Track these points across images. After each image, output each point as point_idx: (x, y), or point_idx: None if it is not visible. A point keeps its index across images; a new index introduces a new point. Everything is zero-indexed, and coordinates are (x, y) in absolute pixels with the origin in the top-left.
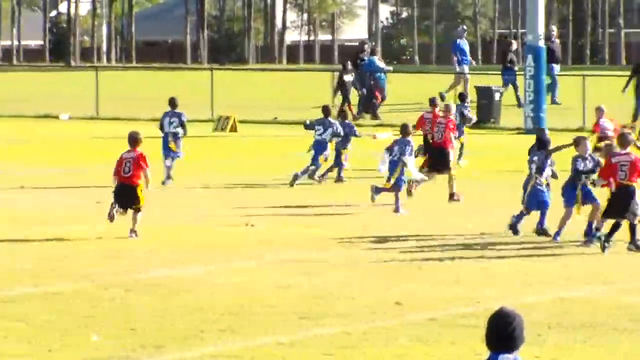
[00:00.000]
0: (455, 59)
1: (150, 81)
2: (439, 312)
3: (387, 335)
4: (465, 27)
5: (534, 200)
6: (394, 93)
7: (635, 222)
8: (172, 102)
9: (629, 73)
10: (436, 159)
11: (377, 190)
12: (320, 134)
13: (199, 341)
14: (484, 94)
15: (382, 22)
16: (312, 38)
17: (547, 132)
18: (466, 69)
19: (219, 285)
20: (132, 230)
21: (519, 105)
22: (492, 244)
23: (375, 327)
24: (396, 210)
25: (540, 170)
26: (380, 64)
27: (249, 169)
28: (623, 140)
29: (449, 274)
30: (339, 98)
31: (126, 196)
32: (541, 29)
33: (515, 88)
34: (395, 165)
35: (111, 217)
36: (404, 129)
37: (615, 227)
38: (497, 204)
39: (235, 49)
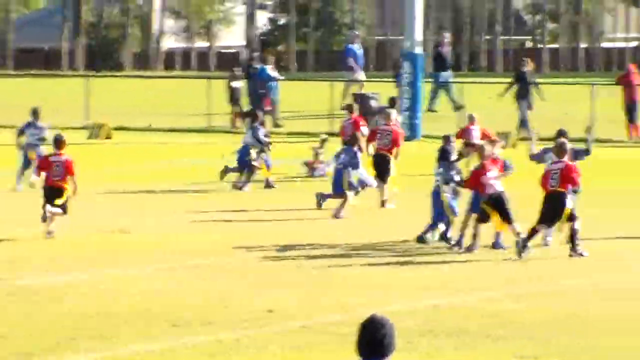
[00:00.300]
0: (350, 63)
1: (26, 88)
2: (311, 319)
3: (259, 343)
4: (357, 32)
5: (437, 212)
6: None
7: (576, 226)
8: (35, 113)
9: (507, 80)
10: (378, 166)
11: (323, 197)
12: (245, 139)
13: (70, 348)
14: (360, 100)
15: (259, 28)
16: (189, 45)
17: (453, 139)
18: (361, 74)
19: (92, 292)
20: (49, 232)
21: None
22: (367, 251)
23: (247, 334)
24: (336, 215)
25: (446, 181)
26: (273, 72)
27: (124, 176)
28: (559, 149)
29: (322, 281)
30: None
31: (53, 198)
32: (419, 36)
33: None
34: (341, 173)
35: (44, 219)
36: (353, 139)
37: (533, 233)
38: (381, 211)
39: (112, 56)
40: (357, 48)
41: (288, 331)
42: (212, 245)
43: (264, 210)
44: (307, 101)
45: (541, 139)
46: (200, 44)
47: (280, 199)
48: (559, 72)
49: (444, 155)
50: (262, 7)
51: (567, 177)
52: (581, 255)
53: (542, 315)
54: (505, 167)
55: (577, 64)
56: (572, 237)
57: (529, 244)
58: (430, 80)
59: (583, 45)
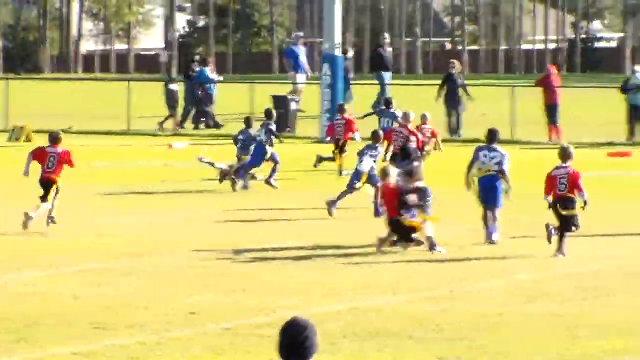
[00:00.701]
0: (290, 65)
1: None
2: (234, 321)
3: (182, 346)
4: (301, 34)
5: None
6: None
7: (573, 231)
8: None
9: (428, 82)
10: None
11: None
12: (259, 136)
13: None
14: (280, 103)
15: (178, 31)
16: (108, 47)
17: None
18: (302, 77)
19: (13, 295)
20: (50, 217)
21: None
22: (292, 253)
23: (170, 337)
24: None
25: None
26: (212, 75)
27: None
28: (564, 154)
29: (245, 283)
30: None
31: (45, 189)
32: (338, 38)
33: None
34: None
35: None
36: (375, 135)
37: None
38: (300, 214)
39: (31, 59)
40: (300, 50)
41: (211, 333)
42: (138, 247)
43: (198, 212)
44: (226, 103)
45: (465, 141)
46: (120, 46)
47: (216, 201)
48: (479, 74)
49: (404, 155)
50: (181, 9)
51: (575, 184)
52: (564, 255)
53: (465, 317)
54: (424, 195)
55: (497, 66)
56: (561, 238)
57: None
58: (365, 83)
59: (503, 47)
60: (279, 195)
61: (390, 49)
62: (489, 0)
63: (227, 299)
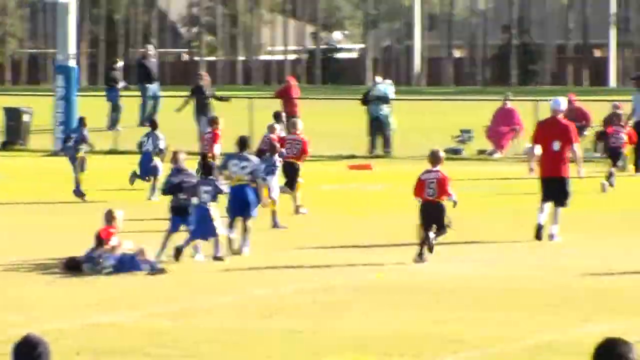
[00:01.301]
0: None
1: None
2: None
3: None
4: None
5: (204, 227)
6: None
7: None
8: None
9: (170, 93)
10: (287, 174)
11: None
12: (145, 147)
13: None
14: (12, 115)
15: None
16: None
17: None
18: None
19: None
20: None
21: (144, 121)
22: (26, 269)
23: None
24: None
25: (214, 197)
26: None
27: None
28: (433, 158)
29: None
30: None
31: None
32: (72, 49)
33: (118, 107)
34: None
35: None
36: (272, 148)
37: (426, 239)
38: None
39: None
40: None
41: None
42: None
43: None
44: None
45: (189, 153)
46: None
47: None
48: (218, 85)
49: (208, 171)
50: None
51: (443, 190)
52: (423, 262)
53: (202, 332)
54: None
55: (235, 77)
56: (424, 243)
57: (425, 251)
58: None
59: (241, 58)
60: (24, 210)
61: (154, 60)
62: (227, 11)
63: None
